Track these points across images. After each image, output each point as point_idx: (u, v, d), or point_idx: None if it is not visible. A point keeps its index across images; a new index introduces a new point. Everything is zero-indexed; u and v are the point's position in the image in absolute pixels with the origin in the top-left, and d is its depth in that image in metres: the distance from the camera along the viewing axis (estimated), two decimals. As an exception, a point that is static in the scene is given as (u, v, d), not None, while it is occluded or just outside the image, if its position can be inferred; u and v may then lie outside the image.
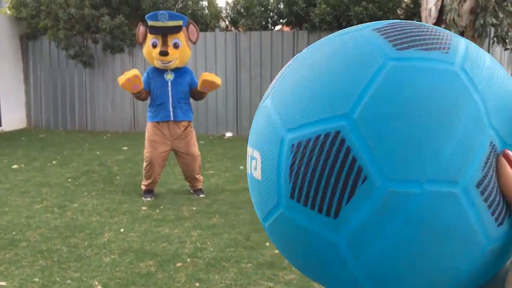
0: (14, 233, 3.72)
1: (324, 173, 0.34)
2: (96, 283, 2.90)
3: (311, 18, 7.93)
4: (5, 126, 8.81)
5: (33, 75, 9.31)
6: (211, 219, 4.04)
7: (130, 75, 4.23)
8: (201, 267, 3.11)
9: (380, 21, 0.41)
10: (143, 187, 4.64)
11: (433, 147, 0.33)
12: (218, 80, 4.46)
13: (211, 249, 3.40)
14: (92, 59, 8.90)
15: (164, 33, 4.35)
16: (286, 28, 9.06)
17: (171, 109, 4.42)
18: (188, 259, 3.23)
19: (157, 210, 4.27)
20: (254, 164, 0.41)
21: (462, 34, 6.10)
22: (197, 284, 2.87)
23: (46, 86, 9.28)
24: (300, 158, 0.36)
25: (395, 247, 0.34)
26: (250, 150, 0.43)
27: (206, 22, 8.79)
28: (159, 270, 3.08)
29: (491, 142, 0.35)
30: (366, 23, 0.41)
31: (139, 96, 4.44)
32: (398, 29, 0.38)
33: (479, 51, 0.38)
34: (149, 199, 4.56)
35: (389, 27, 0.39)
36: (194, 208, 4.33)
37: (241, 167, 6.00)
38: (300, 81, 0.39)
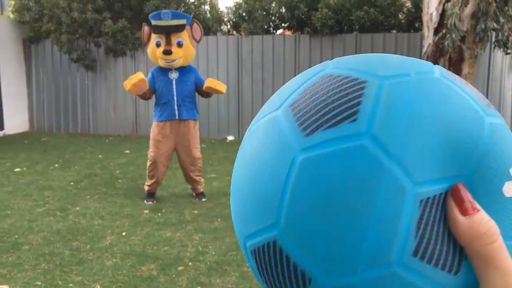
0: (16, 236, 3.74)
1: (276, 280, 0.36)
2: (98, 286, 2.91)
3: (313, 22, 7.96)
4: (7, 129, 8.83)
5: (35, 78, 9.34)
6: (213, 223, 4.05)
7: (136, 79, 4.25)
8: (202, 271, 3.12)
9: (303, 82, 0.39)
10: (146, 188, 4.65)
11: (354, 238, 0.33)
12: (222, 88, 4.46)
13: (213, 253, 3.41)
14: (94, 63, 8.93)
15: (168, 32, 4.36)
16: (287, 32, 9.09)
17: (176, 107, 4.41)
18: (190, 263, 3.24)
19: (159, 214, 4.28)
20: None
21: (463, 39, 6.12)
22: (199, 288, 2.88)
23: (49, 90, 9.31)
24: (260, 263, 0.37)
25: None
26: None
27: (208, 26, 8.82)
28: (160, 273, 3.09)
29: (421, 201, 0.32)
30: (290, 87, 0.40)
31: (143, 96, 4.47)
32: (309, 100, 0.36)
33: (396, 91, 0.35)
34: (150, 203, 4.57)
35: (301, 99, 0.37)
36: (196, 212, 4.34)
37: (243, 171, 6.01)
38: (235, 190, 0.40)
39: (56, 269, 3.15)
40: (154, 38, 4.42)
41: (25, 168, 6.06)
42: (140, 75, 4.29)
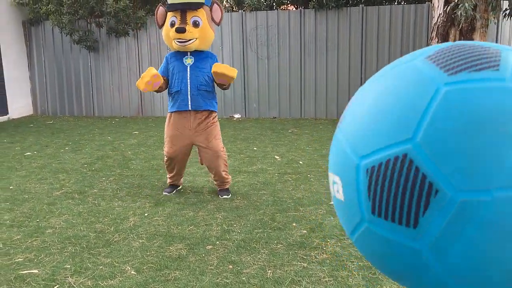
0: (38, 220, 3.71)
1: (399, 190, 0.40)
2: (129, 268, 2.90)
3: (318, -4, 7.82)
4: (12, 113, 8.74)
5: (37, 61, 9.21)
6: (234, 201, 4.03)
7: (149, 76, 3.78)
8: (231, 249, 3.11)
9: (432, 47, 0.45)
10: (168, 181, 4.32)
11: (496, 156, 0.36)
12: (230, 72, 3.83)
13: (239, 231, 3.40)
14: (96, 44, 8.79)
15: (183, 9, 3.92)
16: (291, 7, 8.94)
17: (189, 97, 3.95)
18: (217, 242, 3.23)
19: (178, 193, 4.25)
20: (336, 188, 0.48)
21: (474, 8, 6.02)
22: (231, 267, 2.87)
23: (51, 72, 9.19)
24: (376, 180, 0.41)
25: (472, 249, 0.39)
26: (331, 175, 0.49)
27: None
28: (190, 253, 3.07)
29: None
30: (420, 51, 0.46)
31: (159, 90, 3.99)
32: (448, 54, 0.43)
33: None
34: (166, 194, 4.24)
35: (439, 53, 0.44)
36: (215, 190, 4.31)
37: (255, 148, 5.97)
38: (364, 114, 0.44)
39: (84, 252, 3.13)
40: (169, 17, 3.97)
41: (35, 152, 6.01)
42: (151, 71, 3.80)
